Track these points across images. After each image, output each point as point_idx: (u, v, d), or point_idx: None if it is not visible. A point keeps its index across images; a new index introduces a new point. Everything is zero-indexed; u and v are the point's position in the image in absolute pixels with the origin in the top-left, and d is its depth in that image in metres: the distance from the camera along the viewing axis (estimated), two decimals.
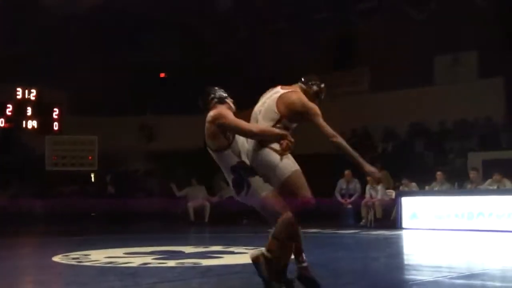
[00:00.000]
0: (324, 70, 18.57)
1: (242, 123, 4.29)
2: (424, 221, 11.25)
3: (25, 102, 17.86)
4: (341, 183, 13.17)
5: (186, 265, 6.44)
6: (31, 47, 18.85)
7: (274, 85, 4.65)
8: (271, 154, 4.13)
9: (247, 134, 4.27)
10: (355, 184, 13.06)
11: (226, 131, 4.33)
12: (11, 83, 17.86)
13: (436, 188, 11.94)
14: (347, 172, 13.10)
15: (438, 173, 12.09)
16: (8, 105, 17.74)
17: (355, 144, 17.14)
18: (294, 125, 4.35)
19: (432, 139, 15.61)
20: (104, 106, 19.57)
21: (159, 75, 21.04)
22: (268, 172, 4.15)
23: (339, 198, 13.06)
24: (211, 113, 4.44)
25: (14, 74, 17.51)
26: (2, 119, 17.67)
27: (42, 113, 17.93)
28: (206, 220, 14.03)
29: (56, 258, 7.06)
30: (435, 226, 11.00)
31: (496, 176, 11.18)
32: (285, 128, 4.25)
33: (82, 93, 18.78)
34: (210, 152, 4.47)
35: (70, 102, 19.14)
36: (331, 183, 13.68)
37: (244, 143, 4.39)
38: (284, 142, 4.11)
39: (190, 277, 5.67)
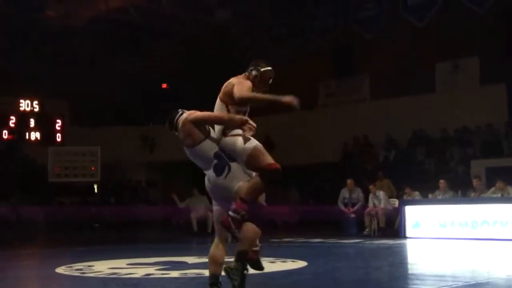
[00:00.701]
0: (325, 77, 18.66)
1: (210, 113, 4.57)
2: (428, 230, 11.19)
3: (28, 114, 17.93)
4: (344, 192, 13.14)
5: (189, 275, 6.42)
6: (34, 59, 18.93)
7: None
8: (233, 139, 4.37)
9: (216, 121, 4.51)
10: (358, 193, 13.03)
11: (200, 124, 4.53)
12: (14, 95, 17.94)
13: (439, 197, 11.89)
14: (349, 181, 13.07)
15: (441, 181, 12.04)
16: (11, 117, 17.81)
17: (358, 153, 17.22)
18: (245, 108, 4.55)
19: (434, 147, 15.58)
20: (106, 117, 19.63)
21: (161, 85, 21.09)
22: (235, 156, 4.37)
23: (342, 207, 13.03)
24: (181, 118, 4.64)
25: (17, 86, 17.58)
26: (6, 131, 17.73)
27: (44, 125, 18.00)
28: (209, 230, 13.96)
29: (60, 270, 7.05)
30: (439, 235, 10.95)
31: (500, 184, 11.14)
32: (237, 113, 4.46)
33: (84, 104, 18.83)
34: (188, 152, 4.66)
35: (73, 113, 19.20)
36: (334, 193, 13.67)
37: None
38: (246, 127, 4.36)
39: (193, 287, 5.65)
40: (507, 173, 11.81)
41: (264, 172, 4.24)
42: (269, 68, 4.74)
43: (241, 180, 4.37)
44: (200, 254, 8.86)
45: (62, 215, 16.74)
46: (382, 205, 12.44)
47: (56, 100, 18.48)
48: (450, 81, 16.23)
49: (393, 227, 12.07)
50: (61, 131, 17.92)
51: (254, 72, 4.66)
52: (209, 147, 4.49)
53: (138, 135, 20.02)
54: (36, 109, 17.89)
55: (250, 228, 4.38)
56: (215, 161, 4.45)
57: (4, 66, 17.47)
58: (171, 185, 19.72)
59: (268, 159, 4.30)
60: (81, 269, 7.10)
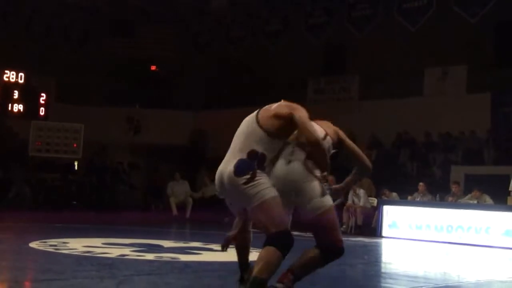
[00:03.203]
0: (314, 75, 18.70)
1: (312, 124, 3.98)
2: (404, 231, 11.32)
3: (12, 85, 17.67)
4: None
5: (164, 259, 6.42)
6: (23, 31, 18.69)
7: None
8: (316, 182, 3.97)
9: (311, 139, 3.89)
10: None
11: (288, 129, 3.94)
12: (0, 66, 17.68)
13: (418, 199, 12.04)
14: (330, 177, 13.09)
15: (420, 184, 12.19)
16: None
17: (340, 150, 17.27)
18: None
19: (417, 150, 15.71)
20: (93, 96, 19.47)
21: (150, 67, 20.96)
22: (301, 196, 3.94)
23: None
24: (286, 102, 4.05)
25: (3, 57, 17.34)
26: None
27: (29, 98, 17.75)
28: (188, 216, 13.98)
29: (34, 244, 7.01)
30: (414, 236, 11.08)
31: (476, 193, 11.30)
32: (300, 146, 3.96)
33: (71, 82, 18.65)
34: (249, 126, 3.99)
35: (59, 89, 19.00)
36: None
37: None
38: (329, 177, 4.04)
39: (167, 271, 5.66)
40: (485, 182, 11.98)
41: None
42: None
43: (268, 194, 3.82)
44: (176, 238, 8.89)
45: (42, 190, 16.66)
46: (361, 203, 12.53)
47: (43, 75, 18.24)
48: (438, 87, 16.35)
49: (370, 225, 12.17)
50: (45, 106, 17.70)
51: None
52: (260, 143, 3.91)
53: (123, 116, 19.90)
54: (21, 81, 17.63)
55: (272, 253, 3.80)
56: (241, 156, 3.88)
57: None
58: (153, 168, 19.69)
59: (338, 234, 4.09)
60: (55, 245, 7.07)
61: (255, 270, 3.79)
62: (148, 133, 19.65)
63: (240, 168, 3.84)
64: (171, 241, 8.52)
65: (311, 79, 18.87)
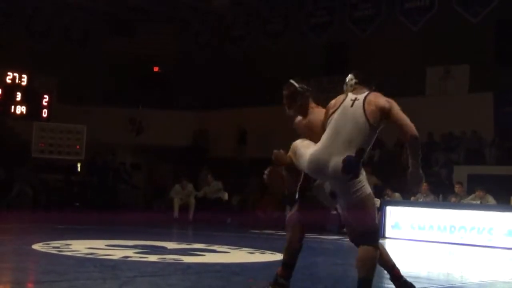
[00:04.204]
0: (316, 74, 18.69)
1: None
2: (407, 231, 11.31)
3: (15, 86, 17.71)
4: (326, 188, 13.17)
5: (167, 260, 6.43)
6: (25, 32, 18.72)
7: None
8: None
9: (413, 133, 4.22)
10: None
11: (382, 122, 4.12)
12: (1, 67, 17.71)
13: (421, 199, 12.01)
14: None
15: (424, 184, 12.15)
16: None
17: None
18: None
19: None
20: (95, 96, 19.49)
21: (153, 68, 20.97)
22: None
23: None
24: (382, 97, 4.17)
25: (6, 58, 17.37)
26: None
27: (31, 99, 17.79)
28: (191, 218, 13.95)
29: (36, 246, 7.02)
30: (417, 237, 11.07)
31: (479, 192, 11.28)
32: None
33: (73, 82, 18.68)
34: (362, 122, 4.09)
35: (61, 90, 19.03)
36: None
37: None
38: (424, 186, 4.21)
39: (170, 273, 5.66)
40: (488, 181, 11.95)
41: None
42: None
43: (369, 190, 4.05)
44: (179, 240, 8.90)
45: (44, 191, 16.68)
46: None
47: (45, 76, 18.28)
48: (440, 86, 16.32)
49: None
50: (48, 107, 17.74)
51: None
52: (365, 135, 4.14)
53: (126, 117, 19.91)
54: (24, 83, 17.67)
55: (374, 252, 4.03)
56: (349, 153, 4.00)
57: None
58: (155, 168, 19.71)
59: None
60: (58, 247, 7.07)
61: (363, 272, 3.98)
62: (150, 133, 19.66)
63: (350, 167, 3.98)
64: (174, 242, 8.53)
65: (313, 79, 18.86)
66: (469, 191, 11.89)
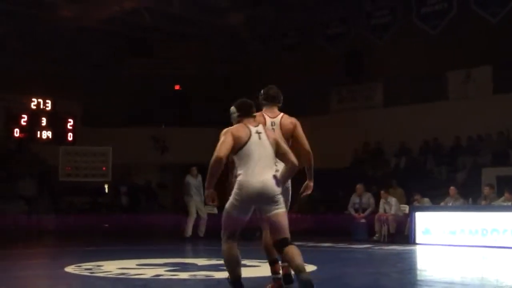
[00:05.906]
0: (337, 83, 18.65)
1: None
2: (438, 236, 11.15)
3: (39, 112, 18.03)
4: (354, 198, 13.12)
5: (198, 277, 6.43)
6: (48, 58, 19.07)
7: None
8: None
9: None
10: (368, 199, 13.01)
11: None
12: (27, 94, 18.07)
13: (450, 204, 11.85)
14: (358, 186, 13.06)
15: (451, 188, 12.00)
16: (23, 116, 17.93)
17: (368, 159, 17.18)
18: None
19: (445, 154, 15.52)
20: (118, 117, 19.72)
21: (174, 87, 21.16)
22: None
23: (353, 212, 13.02)
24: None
25: (30, 86, 17.71)
26: (17, 129, 17.85)
27: (56, 124, 18.09)
28: (202, 235, 12.94)
29: (69, 269, 7.09)
30: (448, 242, 10.90)
31: (507, 195, 11.08)
32: None
33: (96, 105, 18.94)
34: None
35: (85, 113, 19.31)
36: (345, 198, 13.65)
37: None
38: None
39: None
40: None
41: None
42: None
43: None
44: (209, 256, 8.89)
45: (72, 219, 16.76)
46: (392, 211, 12.40)
47: (68, 100, 18.59)
48: (462, 89, 16.17)
49: (403, 233, 12.02)
50: (73, 131, 18.01)
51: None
52: None
53: (149, 136, 20.08)
54: (48, 108, 17.97)
55: (297, 249, 4.87)
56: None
57: (17, 66, 17.62)
58: (181, 187, 19.77)
59: None
60: (90, 269, 7.13)
61: (303, 267, 4.71)
62: (174, 151, 19.78)
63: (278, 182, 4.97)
64: (205, 258, 8.53)
65: (333, 89, 18.83)
66: (499, 193, 11.69)
